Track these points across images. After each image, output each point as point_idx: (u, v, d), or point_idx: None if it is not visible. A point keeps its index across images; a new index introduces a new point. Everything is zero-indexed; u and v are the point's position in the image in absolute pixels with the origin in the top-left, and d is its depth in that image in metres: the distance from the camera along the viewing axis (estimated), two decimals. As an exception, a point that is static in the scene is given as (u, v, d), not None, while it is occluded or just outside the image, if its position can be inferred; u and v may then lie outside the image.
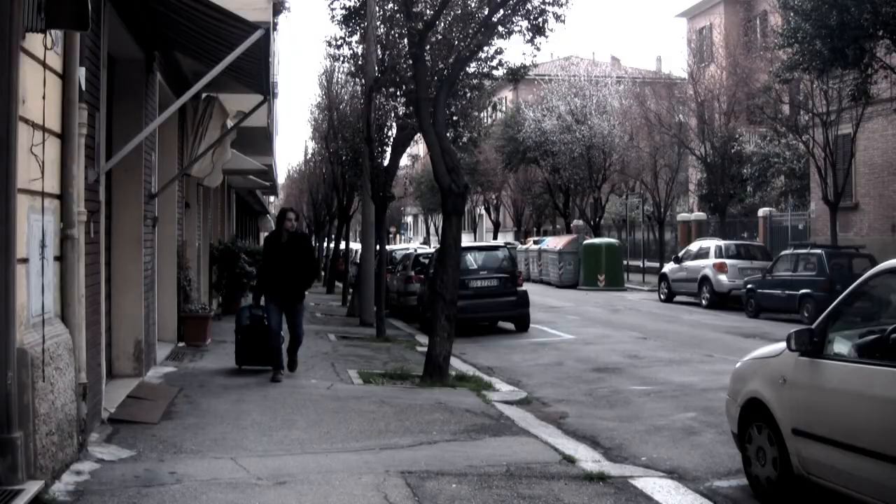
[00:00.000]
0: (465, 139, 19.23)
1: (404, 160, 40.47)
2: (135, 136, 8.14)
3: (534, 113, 38.93)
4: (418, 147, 41.87)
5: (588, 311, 22.28)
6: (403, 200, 54.92)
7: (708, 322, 19.43)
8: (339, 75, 24.46)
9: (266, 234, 11.28)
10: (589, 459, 6.97)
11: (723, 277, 23.07)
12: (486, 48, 14.35)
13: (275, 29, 15.68)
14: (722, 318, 20.21)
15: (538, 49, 13.13)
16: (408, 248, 28.05)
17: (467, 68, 14.30)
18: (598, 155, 36.56)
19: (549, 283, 33.41)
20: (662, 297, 25.99)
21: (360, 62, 17.50)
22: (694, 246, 26.00)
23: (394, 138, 18.16)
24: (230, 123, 13.90)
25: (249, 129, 16.07)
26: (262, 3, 12.48)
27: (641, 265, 35.19)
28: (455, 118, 17.62)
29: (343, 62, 20.04)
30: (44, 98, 5.64)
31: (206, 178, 14.19)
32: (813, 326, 5.69)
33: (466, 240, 32.77)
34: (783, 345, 5.90)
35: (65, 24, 5.49)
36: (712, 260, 23.70)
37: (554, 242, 34.79)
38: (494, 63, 16.11)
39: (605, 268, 31.04)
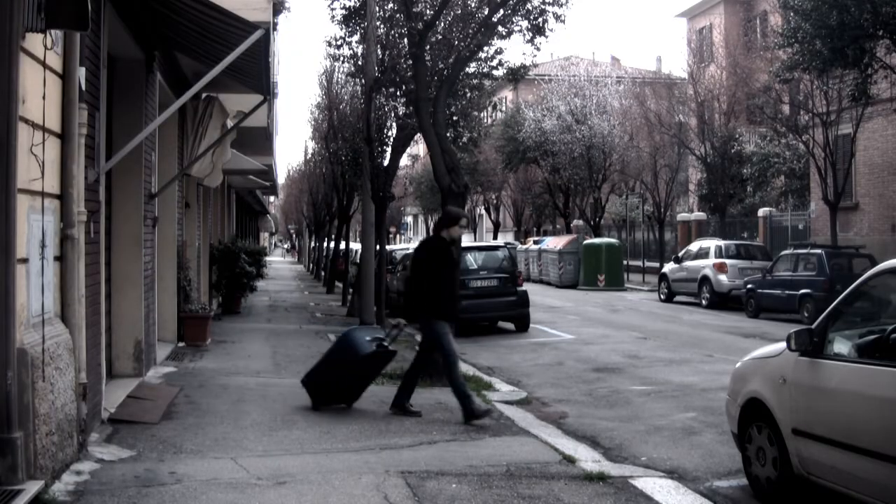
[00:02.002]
0: (465, 139, 19.22)
1: (404, 160, 40.45)
2: (135, 136, 8.14)
3: (534, 113, 38.92)
4: (418, 147, 41.84)
5: (588, 311, 22.27)
6: (403, 200, 54.91)
7: (708, 322, 19.42)
8: (339, 75, 24.45)
9: (438, 239, 8.68)
10: (589, 459, 6.97)
11: (723, 277, 23.07)
12: (486, 48, 14.36)
13: (275, 29, 15.69)
14: (722, 318, 20.21)
15: (538, 49, 13.18)
16: (408, 248, 28.03)
17: (467, 68, 14.32)
18: (598, 155, 36.55)
19: (549, 283, 33.40)
20: (662, 297, 25.99)
21: (360, 62, 17.49)
22: (694, 246, 26.00)
23: (394, 138, 18.15)
24: (230, 123, 13.90)
25: (249, 129, 16.09)
26: (262, 3, 12.49)
27: (641, 265, 35.20)
28: (455, 118, 17.62)
29: (343, 62, 20.05)
30: (44, 98, 5.64)
31: (206, 178, 14.20)
32: (813, 326, 5.69)
33: (466, 240, 32.77)
34: (783, 345, 5.90)
35: (65, 24, 5.50)
36: (712, 260, 23.70)
37: (554, 242, 34.79)
38: (494, 63, 16.12)
39: (605, 268, 31.03)
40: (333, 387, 8.63)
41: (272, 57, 12.28)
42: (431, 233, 8.88)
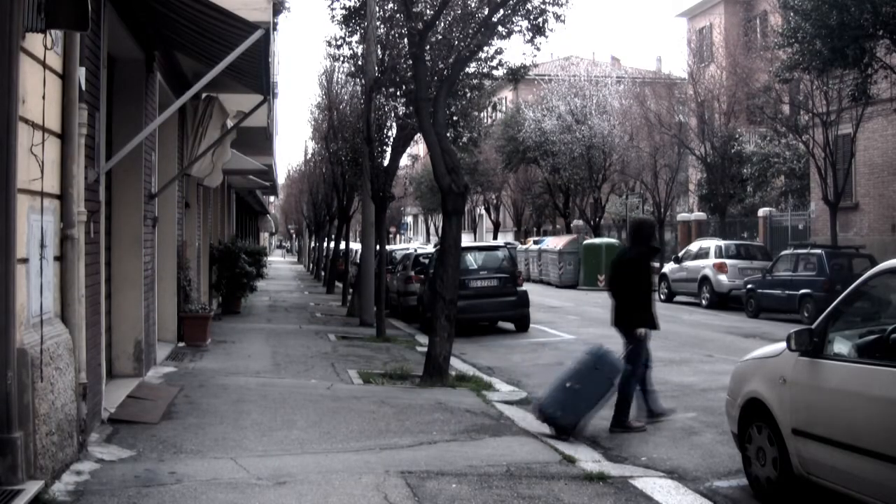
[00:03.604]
0: (465, 139, 19.21)
1: (404, 160, 40.45)
2: (135, 136, 8.14)
3: (534, 113, 38.92)
4: (418, 147, 41.86)
5: (588, 311, 22.27)
6: (403, 200, 54.92)
7: (708, 322, 19.41)
8: (339, 75, 24.47)
9: (650, 250, 9.01)
10: (589, 459, 6.97)
11: (723, 277, 23.06)
12: (486, 48, 14.34)
13: (275, 29, 15.68)
14: (722, 318, 20.20)
15: (538, 49, 13.15)
16: (408, 248, 28.05)
17: (467, 68, 14.29)
18: (598, 155, 36.55)
19: (549, 283, 33.41)
20: (662, 297, 25.97)
21: (360, 62, 17.49)
22: (694, 246, 26.00)
23: (394, 138, 18.15)
24: (230, 123, 13.90)
25: (249, 129, 16.08)
26: (262, 3, 12.48)
27: (641, 265, 35.11)
28: (455, 118, 17.61)
29: (343, 62, 20.04)
30: (44, 98, 5.64)
31: (206, 178, 14.20)
32: (813, 326, 5.68)
33: (466, 240, 32.76)
34: (783, 345, 5.90)
35: (65, 24, 5.49)
36: (712, 260, 23.69)
37: (554, 242, 34.80)
38: (494, 63, 16.11)
39: (605, 268, 31.01)
40: (581, 410, 8.00)
41: (272, 57, 12.27)
42: (632, 243, 9.06)
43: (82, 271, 6.46)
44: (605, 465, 6.78)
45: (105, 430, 7.31)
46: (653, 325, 8.66)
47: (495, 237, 50.73)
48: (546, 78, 39.85)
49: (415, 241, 65.33)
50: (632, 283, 8.67)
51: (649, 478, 6.45)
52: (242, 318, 18.67)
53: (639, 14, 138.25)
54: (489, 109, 36.90)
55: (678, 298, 25.28)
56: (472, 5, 12.73)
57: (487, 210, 53.88)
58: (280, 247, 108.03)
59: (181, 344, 12.95)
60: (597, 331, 17.47)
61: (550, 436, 7.84)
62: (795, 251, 20.49)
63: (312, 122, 31.88)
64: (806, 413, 5.53)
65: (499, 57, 16.06)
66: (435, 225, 59.99)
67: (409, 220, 74.29)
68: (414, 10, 11.78)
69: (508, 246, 23.79)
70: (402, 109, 17.30)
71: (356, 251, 29.09)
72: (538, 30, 12.02)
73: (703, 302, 23.38)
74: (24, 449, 5.15)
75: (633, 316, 8.59)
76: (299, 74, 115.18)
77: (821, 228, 25.69)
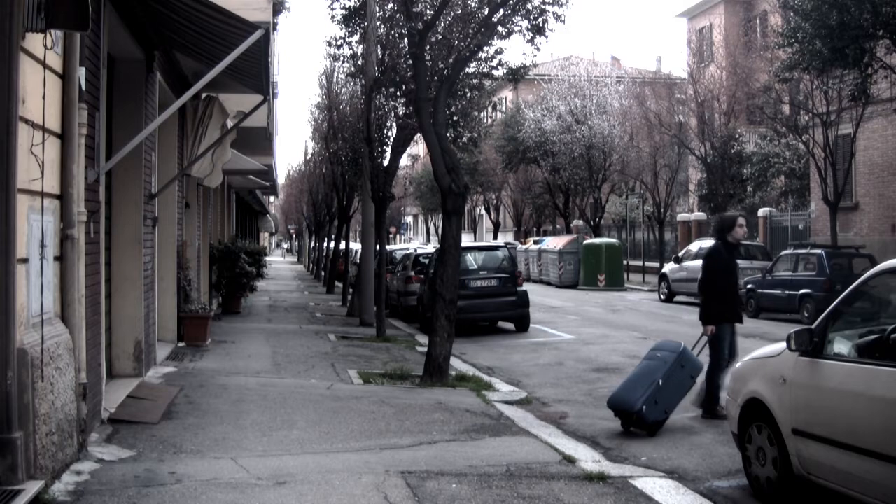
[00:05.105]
0: (465, 139, 19.20)
1: (404, 160, 40.40)
2: (135, 136, 8.13)
3: (534, 113, 38.91)
4: (418, 147, 41.82)
5: (588, 311, 22.26)
6: (403, 200, 54.92)
7: (708, 322, 19.39)
8: (339, 75, 24.47)
9: (726, 244, 9.54)
10: (589, 459, 6.97)
11: (723, 277, 23.02)
12: (486, 48, 14.33)
13: (275, 29, 15.70)
14: (722, 318, 20.16)
15: (538, 49, 13.15)
16: (408, 248, 28.04)
17: (467, 68, 14.29)
18: (598, 155, 36.54)
19: (549, 283, 33.40)
20: (662, 297, 25.99)
21: (360, 62, 17.49)
22: (694, 246, 25.97)
23: (394, 138, 18.14)
24: (230, 123, 13.91)
25: (249, 129, 16.09)
26: (262, 3, 12.49)
27: (641, 265, 35.19)
28: (455, 118, 17.60)
29: (343, 62, 20.05)
30: (44, 98, 5.64)
31: (206, 178, 14.20)
32: (813, 326, 5.68)
33: (466, 240, 32.77)
34: (783, 345, 5.90)
35: (65, 24, 5.49)
36: (712, 260, 23.64)
37: (554, 242, 34.78)
38: (494, 63, 16.10)
39: (605, 268, 31.03)
40: (670, 407, 8.32)
41: (272, 57, 12.28)
42: (714, 239, 9.66)
43: (82, 271, 6.46)
44: (605, 465, 6.78)
45: (105, 430, 7.32)
46: (732, 318, 9.11)
47: (495, 237, 50.74)
48: (546, 78, 39.84)
49: (415, 241, 65.32)
50: (708, 277, 9.26)
51: (649, 478, 6.45)
52: (242, 318, 18.66)
53: (639, 14, 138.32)
54: (489, 109, 36.92)
55: (678, 298, 25.27)
56: (472, 5, 12.73)
57: (487, 210, 53.88)
58: (279, 246, 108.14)
59: (181, 344, 12.96)
60: (597, 331, 17.47)
61: (621, 432, 8.13)
62: (795, 251, 20.49)
63: (312, 122, 31.89)
64: (806, 413, 5.53)
65: (499, 57, 16.05)
66: (435, 225, 59.98)
67: (409, 220, 74.29)
68: (414, 10, 11.78)
69: (508, 246, 23.80)
70: (402, 109, 17.29)
71: (356, 251, 29.09)
72: (538, 30, 12.01)
73: (704, 302, 23.34)
74: (24, 449, 5.15)
75: (709, 310, 9.09)
76: (299, 74, 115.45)
77: (821, 228, 25.69)
